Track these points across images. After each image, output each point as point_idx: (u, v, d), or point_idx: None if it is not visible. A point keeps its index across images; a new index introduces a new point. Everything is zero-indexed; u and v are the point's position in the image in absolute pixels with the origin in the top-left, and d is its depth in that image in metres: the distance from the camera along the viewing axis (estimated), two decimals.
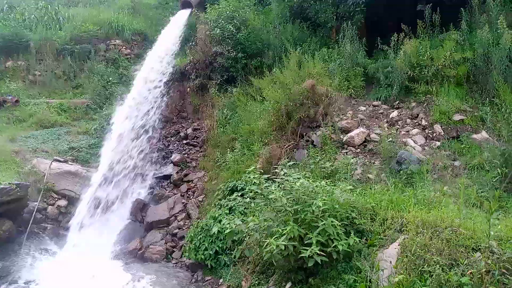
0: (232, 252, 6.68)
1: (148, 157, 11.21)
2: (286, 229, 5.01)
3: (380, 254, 4.78)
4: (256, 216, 6.08)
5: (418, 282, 4.04)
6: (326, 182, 5.69)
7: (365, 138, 7.96)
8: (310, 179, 5.66)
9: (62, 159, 10.49)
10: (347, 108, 9.06)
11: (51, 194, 9.61)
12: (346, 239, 4.99)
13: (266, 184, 5.67)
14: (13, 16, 16.48)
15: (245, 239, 5.79)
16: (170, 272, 7.65)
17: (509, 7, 8.60)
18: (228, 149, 9.62)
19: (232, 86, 11.82)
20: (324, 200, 5.08)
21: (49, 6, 17.50)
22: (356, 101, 9.40)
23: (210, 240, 7.10)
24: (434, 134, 7.58)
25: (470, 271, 3.77)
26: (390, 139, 7.58)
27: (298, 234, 5.00)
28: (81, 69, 15.53)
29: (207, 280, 7.01)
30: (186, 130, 12.51)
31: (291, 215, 5.24)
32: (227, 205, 7.57)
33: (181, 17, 14.59)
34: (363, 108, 9.04)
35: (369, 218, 5.48)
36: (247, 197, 6.94)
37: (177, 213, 9.35)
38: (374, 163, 7.33)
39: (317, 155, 7.57)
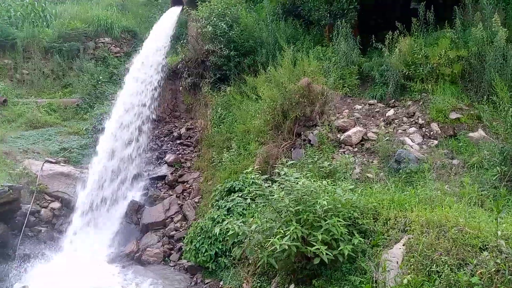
0: (232, 254, 6.63)
1: (142, 157, 11.07)
2: (288, 229, 4.97)
3: (385, 254, 4.76)
4: (256, 217, 6.04)
5: (427, 282, 4.03)
6: (327, 181, 5.66)
7: (362, 137, 7.96)
8: (310, 178, 5.64)
9: (54, 160, 10.31)
10: (343, 107, 9.06)
11: (44, 196, 9.43)
12: (350, 239, 4.98)
13: (266, 184, 5.62)
14: None
15: (246, 240, 5.74)
16: (169, 275, 7.56)
17: (502, 5, 8.66)
18: (224, 149, 9.55)
19: (226, 85, 11.74)
20: (326, 199, 5.05)
21: (36, 3, 17.16)
22: (351, 99, 9.40)
23: (210, 242, 7.03)
24: (431, 133, 7.61)
25: (479, 271, 3.77)
26: (388, 138, 7.58)
27: (301, 235, 4.98)
28: (70, 68, 15.30)
29: (207, 283, 6.95)
30: (179, 129, 12.41)
31: (293, 215, 5.21)
32: (225, 206, 7.50)
33: (172, 14, 14.41)
34: (359, 106, 9.04)
35: (371, 218, 5.47)
36: (247, 197, 6.92)
37: (173, 214, 9.25)
38: (372, 162, 7.33)
39: (315, 155, 7.54)
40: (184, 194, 9.96)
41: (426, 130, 7.74)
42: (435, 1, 9.29)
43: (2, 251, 8.09)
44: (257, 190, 5.54)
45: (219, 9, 12.22)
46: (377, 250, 5.02)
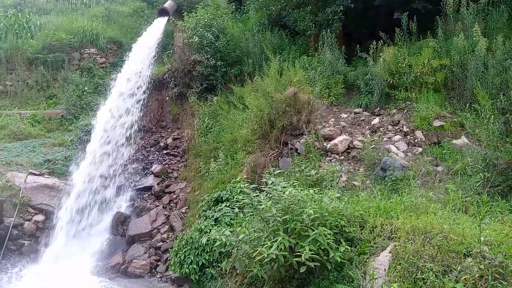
0: (219, 265, 6.57)
1: (127, 168, 10.97)
2: (276, 239, 4.97)
3: (372, 262, 4.78)
4: (243, 226, 6.02)
5: None
6: (314, 190, 5.68)
7: (348, 145, 8.03)
8: (297, 187, 5.65)
9: (37, 172, 10.13)
10: (329, 116, 9.13)
11: (28, 209, 9.23)
12: (337, 247, 4.99)
13: (254, 194, 5.61)
14: None
15: (234, 250, 5.70)
16: (156, 287, 7.46)
17: (482, 16, 8.87)
18: (211, 159, 9.51)
19: (212, 95, 11.77)
20: (313, 208, 5.07)
21: (20, 14, 16.99)
22: (337, 108, 9.49)
23: (196, 253, 6.95)
24: (416, 140, 7.71)
25: (464, 277, 3.81)
26: (373, 146, 7.66)
27: (288, 245, 4.97)
28: (54, 79, 15.13)
29: None
30: (166, 139, 12.34)
31: (280, 225, 5.21)
32: (212, 216, 7.45)
33: (158, 25, 14.41)
34: (344, 115, 9.12)
35: (358, 226, 5.50)
36: (235, 207, 6.89)
37: (160, 225, 9.15)
38: (358, 170, 7.39)
39: (302, 163, 7.56)
40: (171, 204, 9.87)
41: (411, 137, 7.84)
42: (417, 11, 9.48)
43: None
44: (245, 200, 5.53)
45: (205, 20, 12.31)
46: (364, 258, 5.04)
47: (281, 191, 5.37)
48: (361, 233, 5.36)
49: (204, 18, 12.35)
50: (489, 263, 3.84)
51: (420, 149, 7.48)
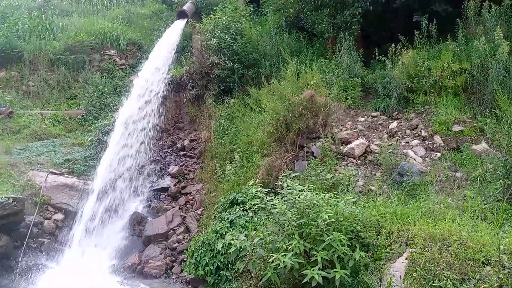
0: (234, 267, 6.59)
1: (145, 169, 11.10)
2: (291, 244, 4.96)
3: (388, 268, 4.73)
4: (258, 230, 6.02)
5: None
6: (329, 194, 5.65)
7: (365, 149, 7.95)
8: (313, 191, 5.63)
9: (58, 172, 10.35)
10: (346, 119, 9.07)
11: (48, 208, 9.44)
12: (352, 254, 4.94)
13: (269, 197, 5.61)
14: (6, 26, 16.33)
15: (248, 253, 5.71)
16: None
17: (505, 18, 8.69)
18: (227, 161, 9.56)
19: (229, 97, 11.82)
20: (329, 213, 5.04)
21: (43, 16, 17.41)
22: (354, 111, 9.42)
23: (211, 255, 7.00)
24: (434, 145, 7.59)
25: (482, 286, 3.74)
26: (391, 150, 7.57)
27: (303, 249, 4.95)
28: (75, 80, 15.44)
29: None
30: (183, 141, 12.45)
31: (295, 229, 5.20)
32: (227, 219, 7.48)
33: (177, 27, 14.56)
34: (362, 119, 9.05)
35: (374, 231, 5.44)
36: (250, 210, 6.90)
37: (176, 226, 9.24)
38: (375, 174, 7.31)
39: (318, 167, 7.54)
40: (187, 206, 9.95)
41: (429, 142, 7.72)
42: (437, 14, 9.35)
43: (5, 263, 8.08)
44: (259, 203, 5.53)
45: (224, 22, 12.36)
46: (379, 264, 4.98)
47: (297, 195, 5.36)
48: (377, 239, 5.30)
49: (222, 21, 12.41)
50: (508, 272, 3.76)
51: (439, 154, 7.36)
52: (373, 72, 9.82)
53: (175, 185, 10.61)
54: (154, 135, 12.14)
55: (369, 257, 5.16)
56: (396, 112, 8.89)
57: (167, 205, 10.11)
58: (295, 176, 6.95)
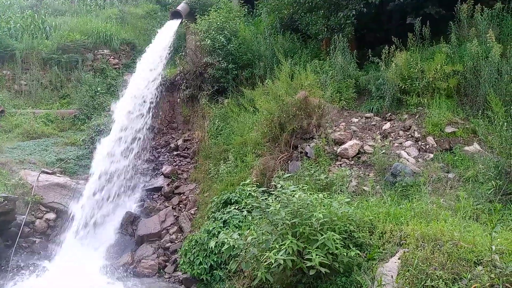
0: (227, 267, 6.58)
1: (138, 168, 11.05)
2: (284, 243, 4.96)
3: (381, 268, 4.76)
4: (252, 229, 6.02)
5: None
6: (323, 194, 5.66)
7: (358, 150, 7.99)
8: (307, 191, 5.64)
9: (50, 171, 10.26)
10: (339, 120, 9.10)
11: (39, 207, 9.37)
12: (346, 253, 4.96)
13: (263, 197, 5.61)
14: None
15: (242, 253, 5.71)
16: (164, 287, 7.50)
17: (496, 21, 8.78)
18: (221, 161, 9.56)
19: (223, 97, 11.83)
20: (322, 212, 5.05)
21: (36, 15, 17.26)
22: (348, 112, 9.45)
23: (205, 254, 6.99)
24: (427, 146, 7.65)
25: (474, 286, 3.77)
26: (384, 151, 7.61)
27: (296, 249, 4.96)
28: (68, 79, 15.32)
29: None
30: (176, 141, 12.41)
31: (289, 228, 5.20)
32: (221, 218, 7.47)
33: (171, 27, 14.52)
34: (355, 119, 9.09)
35: (367, 231, 5.47)
36: (243, 210, 6.89)
37: (169, 226, 9.20)
38: (368, 175, 7.35)
39: (311, 167, 7.55)
40: (180, 205, 9.92)
41: (422, 143, 7.77)
42: (430, 16, 9.42)
43: None
44: (254, 203, 5.54)
45: (218, 23, 12.36)
46: (372, 264, 5.01)
47: (290, 195, 5.37)
48: (370, 239, 5.34)
49: (216, 21, 12.41)
50: (500, 272, 3.79)
51: (431, 155, 7.41)
52: (366, 73, 9.86)
53: (168, 184, 10.57)
54: (148, 135, 12.08)
55: (363, 257, 5.19)
56: (390, 113, 8.94)
57: (160, 204, 10.07)
58: (289, 176, 6.96)
